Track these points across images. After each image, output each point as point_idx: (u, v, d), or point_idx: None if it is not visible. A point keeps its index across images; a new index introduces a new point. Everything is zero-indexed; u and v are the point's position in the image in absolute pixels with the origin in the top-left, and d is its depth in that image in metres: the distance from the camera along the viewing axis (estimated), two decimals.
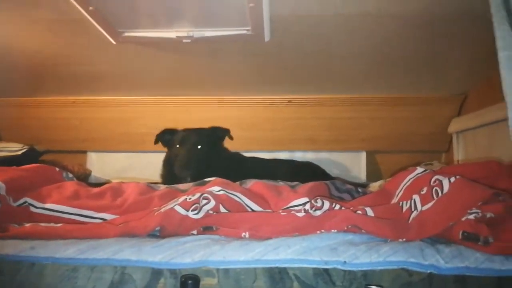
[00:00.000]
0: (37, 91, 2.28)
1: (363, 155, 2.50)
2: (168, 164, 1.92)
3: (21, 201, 1.11)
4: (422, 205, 1.03)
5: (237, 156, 2.13)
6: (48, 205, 1.11)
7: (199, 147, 1.87)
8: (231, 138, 1.99)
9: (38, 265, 0.89)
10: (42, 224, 1.02)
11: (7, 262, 0.89)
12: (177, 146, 1.88)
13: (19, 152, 1.92)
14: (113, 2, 1.34)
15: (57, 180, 1.29)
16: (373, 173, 2.47)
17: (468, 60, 1.84)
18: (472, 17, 1.42)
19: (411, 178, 1.18)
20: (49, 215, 1.10)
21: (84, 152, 2.53)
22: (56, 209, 1.10)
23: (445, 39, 1.62)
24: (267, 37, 1.54)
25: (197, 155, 1.85)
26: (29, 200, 1.11)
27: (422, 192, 1.06)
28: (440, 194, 1.02)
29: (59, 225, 1.02)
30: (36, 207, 1.10)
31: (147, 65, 1.92)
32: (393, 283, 0.85)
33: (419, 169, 1.20)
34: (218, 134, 1.98)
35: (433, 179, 1.09)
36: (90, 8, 1.33)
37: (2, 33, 1.56)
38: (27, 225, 1.01)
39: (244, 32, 1.49)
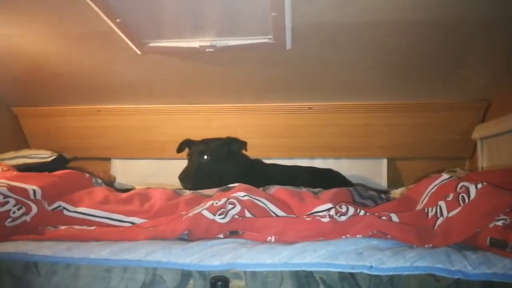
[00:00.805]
0: (63, 100, 2.36)
1: (384, 162, 2.48)
2: None
3: (55, 205, 1.15)
4: (448, 211, 1.03)
5: (258, 163, 2.15)
6: (80, 209, 1.15)
7: (205, 157, 1.90)
8: (245, 150, 2.01)
9: (74, 265, 0.93)
10: (76, 227, 1.06)
11: (44, 264, 0.93)
12: (189, 156, 1.94)
13: (49, 159, 1.99)
14: (140, 14, 1.39)
15: (87, 186, 1.34)
16: (395, 180, 2.46)
17: (491, 66, 1.82)
18: (494, 22, 1.42)
19: (436, 185, 1.18)
20: (82, 218, 1.14)
21: (108, 159, 2.59)
22: (88, 212, 1.14)
23: (466, 45, 1.61)
24: (288, 46, 1.57)
25: (200, 166, 1.88)
26: (63, 204, 1.16)
27: (448, 199, 1.06)
28: (466, 200, 1.02)
29: (92, 228, 1.06)
30: (69, 211, 1.15)
31: (170, 74, 1.97)
32: None
33: (445, 176, 1.20)
34: (233, 145, 2.01)
35: (459, 186, 1.09)
36: (118, 20, 1.38)
37: (31, 46, 1.63)
38: (62, 227, 1.05)
39: (266, 40, 1.52)
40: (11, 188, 1.09)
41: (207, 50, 1.56)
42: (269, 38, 1.52)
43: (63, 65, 1.83)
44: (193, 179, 1.81)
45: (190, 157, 1.95)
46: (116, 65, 1.85)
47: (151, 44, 1.57)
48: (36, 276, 0.92)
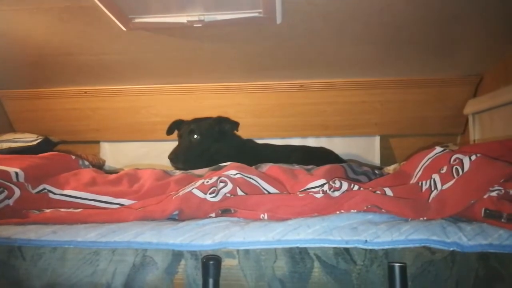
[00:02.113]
0: (49, 82, 2.29)
1: (376, 139, 2.48)
2: None
3: (40, 187, 1.12)
4: (442, 184, 1.01)
5: (250, 143, 2.13)
6: (66, 191, 1.12)
7: (195, 136, 1.87)
8: (237, 131, 1.98)
9: (60, 249, 0.90)
10: (62, 210, 1.03)
11: (29, 248, 0.90)
12: (178, 137, 1.91)
13: (34, 143, 1.94)
14: None
15: (73, 168, 1.30)
16: (387, 157, 2.45)
17: (482, 40, 1.79)
18: None
19: (430, 158, 1.16)
20: (68, 201, 1.10)
21: (97, 142, 2.55)
22: (75, 195, 1.11)
23: (458, 20, 1.58)
24: (278, 20, 1.52)
25: (190, 145, 1.85)
26: (48, 187, 1.12)
27: (442, 171, 1.05)
28: (460, 172, 1.00)
29: (78, 210, 1.03)
30: (55, 194, 1.11)
31: (158, 53, 1.91)
32: (415, 261, 0.84)
33: (438, 149, 1.18)
34: (224, 125, 1.97)
35: (453, 158, 1.07)
36: None
37: (11, 23, 1.56)
38: (47, 211, 1.02)
39: (256, 14, 1.47)
40: None
41: (195, 25, 1.51)
42: (259, 12, 1.47)
43: (47, 45, 1.76)
44: (183, 158, 1.78)
45: (180, 137, 1.92)
46: (101, 43, 1.78)
47: (137, 20, 1.51)
48: (21, 261, 0.89)
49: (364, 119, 2.40)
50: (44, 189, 1.12)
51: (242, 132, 2.07)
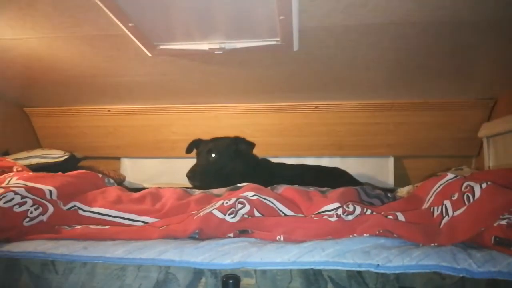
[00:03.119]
0: (75, 101, 2.41)
1: (390, 161, 2.50)
2: None
3: (70, 205, 1.19)
4: (454, 210, 1.04)
5: (265, 163, 2.18)
6: (94, 209, 1.19)
7: (213, 155, 1.93)
8: (252, 151, 2.04)
9: (90, 264, 0.96)
10: (91, 226, 1.09)
11: (62, 262, 0.97)
12: (197, 155, 1.98)
13: (61, 159, 2.03)
14: (151, 18, 1.42)
15: (100, 186, 1.38)
16: (401, 178, 2.48)
17: (497, 64, 1.83)
18: (499, 22, 1.43)
19: (442, 184, 1.20)
20: (96, 217, 1.17)
21: (118, 158, 2.64)
22: (102, 212, 1.18)
23: (472, 45, 1.62)
24: (295, 47, 1.59)
25: (208, 164, 1.91)
26: (78, 204, 1.19)
27: (453, 198, 1.08)
28: (471, 199, 1.04)
29: (106, 227, 1.09)
30: (84, 211, 1.18)
31: (180, 75, 2.00)
32: (425, 286, 0.88)
33: (450, 175, 1.21)
34: (241, 145, 2.03)
35: (464, 185, 1.10)
36: (130, 24, 1.41)
37: (45, 48, 1.67)
38: (78, 227, 1.09)
39: (274, 42, 1.54)
40: (28, 189, 1.13)
41: (216, 52, 1.59)
42: (277, 40, 1.54)
43: (75, 67, 1.87)
44: (200, 176, 1.84)
45: (198, 155, 1.98)
46: (127, 66, 1.88)
47: (162, 47, 1.60)
48: (53, 274, 0.96)
49: (378, 140, 2.44)
50: (74, 206, 1.19)
51: (258, 151, 2.13)
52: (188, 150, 2.08)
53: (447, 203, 1.09)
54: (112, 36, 1.52)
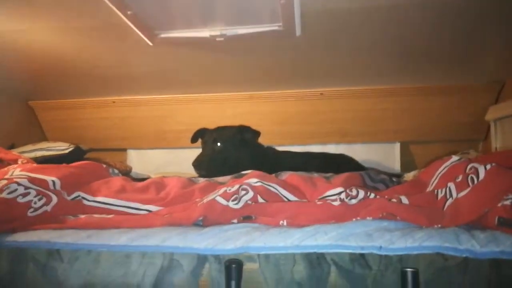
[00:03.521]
0: (79, 93, 2.41)
1: (397, 146, 2.48)
2: None
3: (75, 195, 1.20)
4: (458, 192, 1.04)
5: (271, 151, 2.17)
6: (99, 198, 1.19)
7: (218, 144, 1.93)
8: (257, 140, 2.03)
9: (94, 252, 0.97)
10: (96, 216, 1.10)
11: (67, 251, 0.98)
12: (202, 144, 1.98)
13: (67, 151, 2.05)
14: (150, 5, 1.41)
15: (104, 176, 1.38)
16: (408, 163, 2.46)
17: (504, 46, 1.80)
18: (505, 2, 1.40)
19: (446, 167, 1.19)
20: (100, 207, 1.18)
21: (124, 150, 2.65)
22: (106, 201, 1.19)
23: (478, 27, 1.59)
24: (298, 32, 1.57)
25: (213, 153, 1.91)
26: (82, 194, 1.20)
27: (458, 180, 1.07)
28: (475, 181, 1.03)
29: (110, 216, 1.10)
30: (88, 200, 1.19)
31: (182, 64, 2.00)
32: (428, 268, 0.87)
33: (454, 158, 1.20)
34: (246, 134, 2.03)
35: (468, 167, 1.09)
36: (129, 12, 1.41)
37: (45, 39, 1.67)
38: (82, 216, 1.10)
39: (276, 28, 1.53)
40: (31, 180, 1.14)
41: (217, 39, 1.58)
42: (279, 26, 1.53)
43: (77, 58, 1.87)
44: (206, 165, 1.85)
45: (204, 144, 1.99)
46: (129, 56, 1.88)
47: (162, 35, 1.60)
48: (59, 263, 0.97)
49: (384, 126, 2.42)
50: (79, 196, 1.20)
51: (263, 140, 2.12)
52: (193, 140, 2.09)
53: (451, 185, 1.08)
54: (111, 25, 1.52)
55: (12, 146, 2.17)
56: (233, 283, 0.81)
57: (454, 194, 1.04)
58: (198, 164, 1.85)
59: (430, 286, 0.87)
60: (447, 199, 1.05)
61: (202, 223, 1.08)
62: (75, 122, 2.56)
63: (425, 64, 2.02)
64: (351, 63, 2.00)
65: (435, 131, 2.40)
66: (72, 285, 0.95)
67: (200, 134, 2.08)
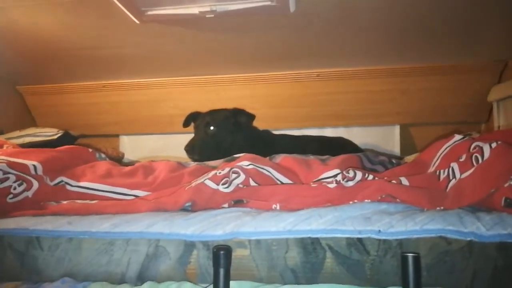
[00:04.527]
0: (67, 77, 2.33)
1: (396, 129, 2.42)
2: None
3: (57, 180, 1.14)
4: (461, 172, 0.98)
5: (266, 135, 2.11)
6: (82, 183, 1.14)
7: (211, 128, 1.87)
8: (252, 123, 1.97)
9: (76, 239, 0.92)
10: (78, 201, 1.05)
11: (46, 238, 0.93)
12: (195, 129, 1.92)
13: (55, 137, 1.98)
14: None
15: (90, 160, 1.32)
16: (408, 147, 2.39)
17: (506, 25, 1.72)
18: None
19: (449, 146, 1.13)
20: (84, 192, 1.13)
21: (117, 135, 2.58)
22: (91, 187, 1.13)
23: (479, 5, 1.52)
24: (292, 8, 1.49)
25: (206, 137, 1.85)
26: (65, 179, 1.14)
27: (461, 160, 1.01)
28: (480, 160, 0.97)
29: (94, 201, 1.05)
30: (72, 186, 1.13)
31: (173, 45, 1.92)
32: (430, 252, 0.82)
33: (457, 137, 1.14)
34: (240, 117, 1.96)
35: (472, 146, 1.03)
36: None
37: (27, 18, 1.59)
38: (64, 202, 1.04)
39: (268, 3, 1.45)
40: (10, 164, 1.08)
41: (207, 16, 1.50)
42: (271, 1, 1.45)
43: (63, 39, 1.79)
44: (199, 150, 1.79)
45: (196, 128, 1.92)
46: (116, 37, 1.80)
47: (149, 12, 1.52)
48: (39, 251, 0.92)
49: (383, 108, 2.35)
50: (62, 181, 1.14)
51: (259, 123, 2.06)
52: (186, 124, 2.02)
53: (454, 165, 1.02)
54: (96, 3, 1.44)
55: (0, 133, 2.10)
56: (221, 270, 0.75)
57: (458, 175, 0.98)
58: (190, 148, 1.78)
59: (432, 272, 0.82)
60: (450, 180, 0.99)
61: (190, 208, 1.02)
62: (65, 108, 2.48)
63: (425, 44, 1.95)
64: (348, 42, 1.92)
65: (436, 113, 2.33)
66: (52, 275, 0.90)
67: (192, 118, 2.01)
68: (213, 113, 1.97)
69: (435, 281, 0.81)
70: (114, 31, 1.72)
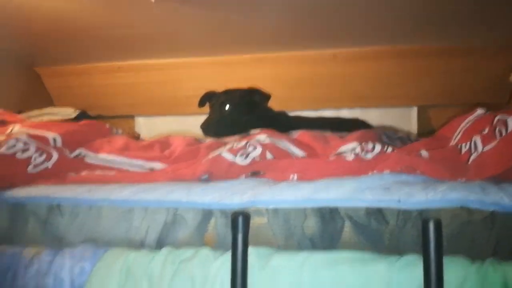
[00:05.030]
0: (84, 58, 2.34)
1: (414, 111, 2.38)
2: None
3: (76, 152, 1.16)
4: (484, 145, 0.96)
5: (282, 115, 2.10)
6: (101, 156, 1.15)
7: (226, 107, 1.86)
8: (267, 103, 1.95)
9: (95, 207, 0.93)
10: (97, 172, 1.06)
11: (67, 206, 0.94)
12: (210, 108, 1.92)
13: (73, 116, 2.01)
14: None
15: (107, 135, 1.34)
16: (425, 129, 2.35)
17: None
18: None
19: (470, 121, 1.11)
20: (103, 165, 1.14)
21: (132, 116, 2.60)
22: (109, 159, 1.14)
23: None
24: None
25: (222, 116, 1.85)
26: (84, 151, 1.16)
27: (484, 133, 0.99)
28: (504, 133, 0.95)
29: (112, 173, 1.06)
30: (91, 158, 1.15)
31: (186, 25, 1.90)
32: (451, 223, 0.81)
33: (480, 111, 1.12)
34: (255, 96, 1.95)
35: (496, 119, 1.01)
36: None
37: (44, 1, 1.60)
38: (83, 173, 1.05)
39: None
40: (31, 136, 1.10)
41: None
42: None
43: (77, 19, 1.80)
44: (214, 128, 1.78)
45: (211, 108, 1.92)
46: (130, 16, 1.79)
47: None
48: (60, 218, 0.93)
49: (401, 89, 2.30)
50: (80, 153, 1.15)
51: (274, 104, 2.04)
52: (201, 103, 2.02)
53: (476, 138, 1.00)
54: None
55: (19, 113, 2.14)
56: (240, 235, 0.75)
57: (480, 148, 0.96)
58: (206, 126, 1.78)
59: (453, 243, 0.80)
60: (471, 153, 0.97)
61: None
62: (82, 89, 2.50)
63: (446, 22, 1.89)
64: (366, 21, 1.87)
65: (455, 94, 2.28)
66: (73, 241, 0.91)
67: (207, 98, 2.01)
68: (228, 92, 1.97)
69: (455, 252, 0.80)
70: (128, 11, 1.71)
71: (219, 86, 2.14)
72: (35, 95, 2.48)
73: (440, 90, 2.28)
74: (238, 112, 1.89)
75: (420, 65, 2.22)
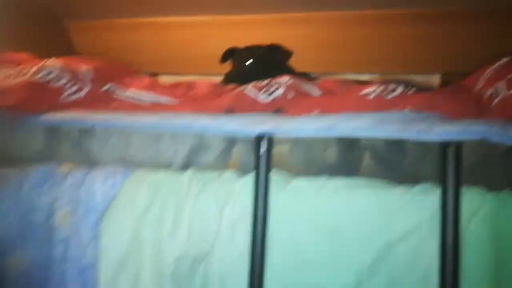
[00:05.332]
0: (109, 12, 2.36)
1: (436, 78, 2.34)
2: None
3: (106, 86, 1.20)
4: (508, 89, 0.96)
5: (304, 76, 2.10)
6: (129, 92, 1.19)
7: (247, 63, 1.87)
8: (288, 60, 1.96)
9: (126, 132, 0.97)
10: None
11: (99, 129, 0.99)
12: (232, 63, 1.93)
13: None
14: None
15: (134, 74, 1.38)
16: None
17: None
18: None
19: (494, 69, 1.10)
20: (131, 100, 1.18)
21: (156, 75, 2.63)
22: (136, 95, 1.18)
23: None
24: None
25: (243, 70, 1.86)
26: (113, 87, 1.20)
27: (509, 77, 0.99)
28: None
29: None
30: (119, 93, 1.19)
31: None
32: (470, 155, 0.82)
33: (504, 59, 1.11)
34: (277, 53, 1.95)
35: None
36: None
37: None
38: (113, 104, 1.10)
39: None
40: (64, 67, 1.14)
41: None
42: None
43: None
44: (234, 82, 1.81)
45: (233, 62, 1.94)
46: None
47: None
48: (92, 140, 0.98)
49: (424, 54, 2.25)
50: (110, 88, 1.20)
51: (296, 65, 2.04)
52: (223, 59, 2.04)
53: (500, 84, 1.00)
54: None
55: None
56: (263, 157, 0.79)
57: (503, 91, 0.96)
58: (226, 79, 1.81)
59: (472, 175, 0.82)
60: (495, 98, 0.97)
61: None
62: (107, 45, 2.53)
63: None
64: None
65: (480, 61, 2.21)
66: (105, 162, 0.96)
67: (230, 53, 2.02)
68: (249, 48, 1.98)
69: (474, 183, 0.82)
70: None
71: (242, 45, 2.15)
72: (60, 49, 2.52)
73: (464, 56, 2.23)
74: (259, 68, 1.90)
75: (444, 30, 2.17)
